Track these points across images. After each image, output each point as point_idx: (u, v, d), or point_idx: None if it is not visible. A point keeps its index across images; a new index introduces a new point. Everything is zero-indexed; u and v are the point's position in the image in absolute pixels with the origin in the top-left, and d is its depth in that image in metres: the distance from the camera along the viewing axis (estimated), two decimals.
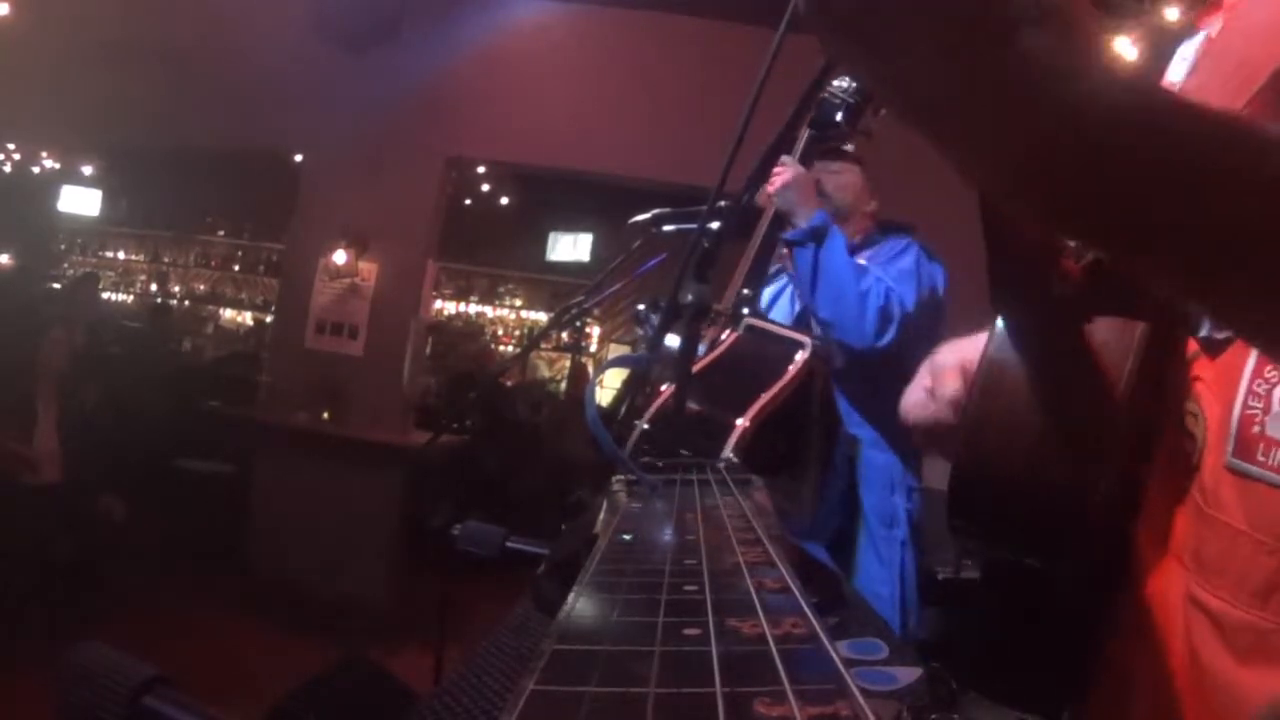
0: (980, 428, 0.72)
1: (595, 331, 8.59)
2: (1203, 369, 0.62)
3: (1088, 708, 0.68)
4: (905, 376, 1.68)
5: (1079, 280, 0.64)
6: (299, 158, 4.72)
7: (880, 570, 1.63)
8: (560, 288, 8.22)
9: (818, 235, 1.64)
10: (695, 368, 1.31)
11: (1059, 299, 0.65)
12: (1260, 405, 0.56)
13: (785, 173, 1.64)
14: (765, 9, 0.90)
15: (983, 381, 0.71)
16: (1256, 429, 0.56)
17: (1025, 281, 0.67)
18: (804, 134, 1.61)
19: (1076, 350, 0.65)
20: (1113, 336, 0.65)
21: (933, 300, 1.76)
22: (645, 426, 0.94)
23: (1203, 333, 0.62)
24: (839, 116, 1.52)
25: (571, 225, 8.02)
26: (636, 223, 1.80)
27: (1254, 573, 0.55)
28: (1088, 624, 0.69)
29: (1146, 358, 0.64)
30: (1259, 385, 0.57)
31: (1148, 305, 0.64)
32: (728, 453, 0.84)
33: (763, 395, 1.11)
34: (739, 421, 0.95)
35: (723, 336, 1.51)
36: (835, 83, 1.53)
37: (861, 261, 1.83)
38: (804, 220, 1.64)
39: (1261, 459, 0.55)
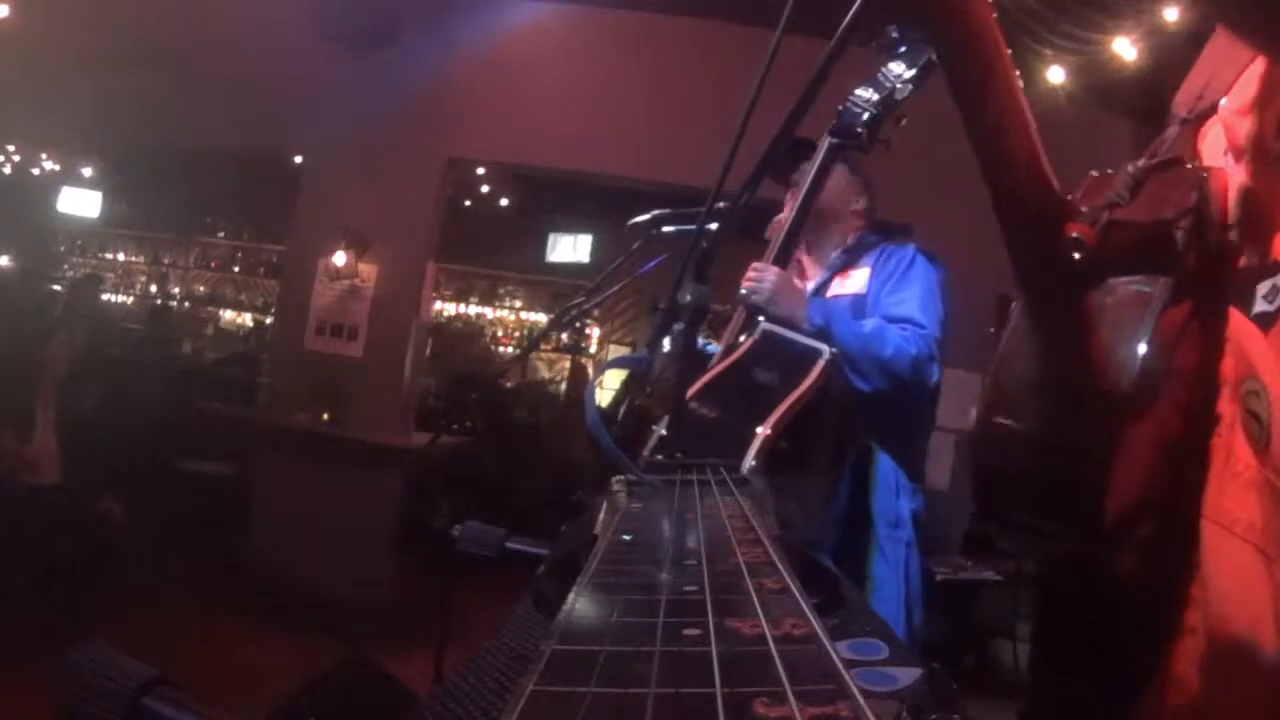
0: (1001, 386, 0.77)
1: (595, 333, 8.59)
2: (1256, 344, 0.61)
3: (1163, 707, 0.66)
4: (901, 383, 1.69)
5: (1093, 243, 0.68)
6: (299, 158, 4.72)
7: (886, 570, 1.62)
8: (560, 289, 8.22)
9: (824, 335, 1.57)
10: (712, 372, 1.31)
11: (1073, 266, 0.68)
12: None
13: (764, 280, 1.59)
14: (765, 9, 0.90)
15: (1002, 354, 0.76)
16: None
17: (1040, 251, 0.70)
18: (824, 142, 1.59)
19: (1082, 318, 0.68)
20: (1126, 315, 0.67)
21: (947, 313, 1.74)
22: (663, 432, 0.94)
23: (1256, 309, 0.61)
24: (860, 126, 1.52)
25: (571, 226, 8.02)
26: (636, 224, 1.80)
27: None
28: (1151, 623, 0.67)
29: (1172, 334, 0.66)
30: None
31: (1153, 262, 0.67)
32: (750, 461, 0.84)
33: (783, 403, 1.11)
34: (760, 430, 0.95)
35: (740, 340, 1.51)
36: (857, 92, 1.53)
37: (864, 270, 1.79)
38: (804, 321, 1.59)
39: None
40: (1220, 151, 0.73)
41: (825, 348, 1.36)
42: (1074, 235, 0.69)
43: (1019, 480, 0.74)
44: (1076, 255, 0.68)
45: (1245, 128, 0.68)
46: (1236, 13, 0.55)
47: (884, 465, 1.64)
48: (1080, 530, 0.67)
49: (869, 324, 1.66)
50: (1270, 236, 0.64)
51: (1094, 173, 0.78)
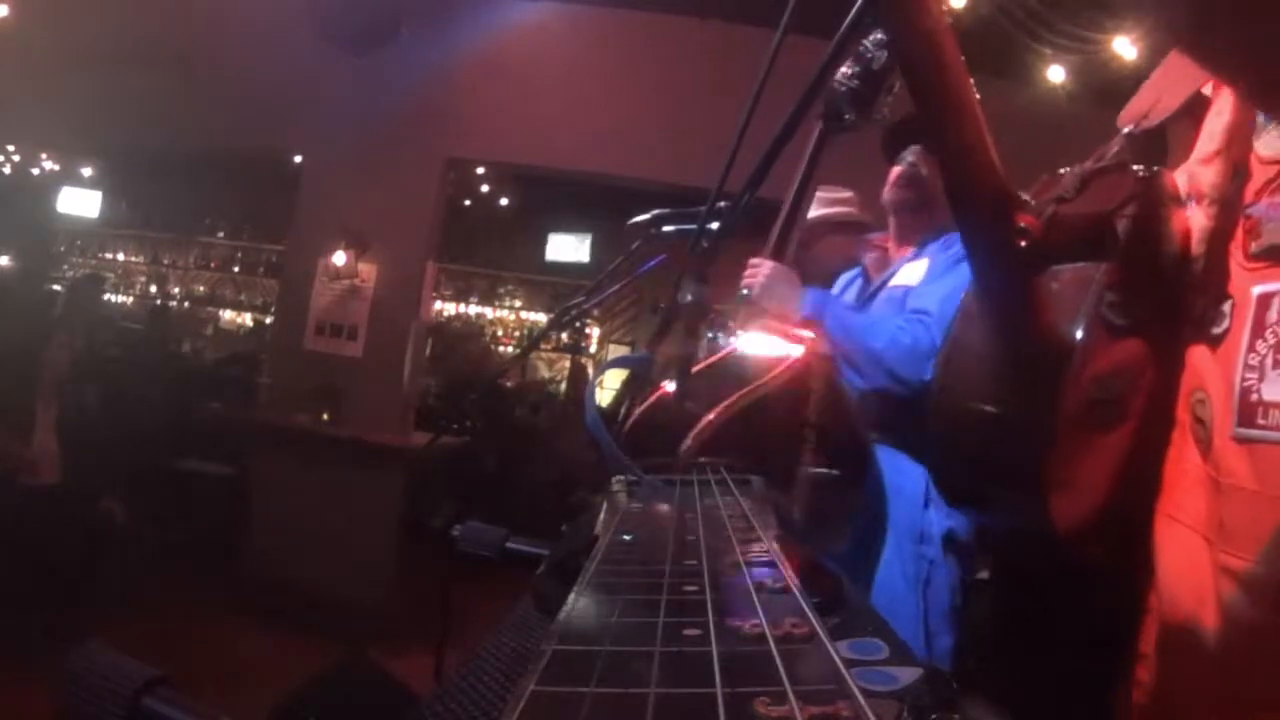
0: (951, 366, 0.87)
1: (595, 332, 8.59)
2: (1204, 361, 0.71)
3: (1127, 691, 0.74)
4: (896, 378, 1.65)
5: (1038, 233, 0.78)
6: (299, 158, 4.72)
7: (905, 588, 1.50)
8: (560, 288, 8.22)
9: (815, 321, 1.53)
10: (702, 366, 1.31)
11: (1019, 251, 0.78)
12: (1255, 376, 0.65)
13: (758, 273, 1.53)
14: (765, 9, 0.90)
15: (955, 329, 0.88)
16: (1255, 397, 0.64)
17: (989, 236, 0.80)
18: (815, 129, 1.56)
19: (1029, 297, 0.78)
20: (1064, 304, 0.77)
21: None
22: (636, 415, 0.95)
23: (1213, 330, 0.71)
24: (845, 104, 1.49)
25: (571, 226, 8.02)
26: (636, 223, 1.79)
27: (1270, 527, 0.61)
28: (1117, 617, 0.76)
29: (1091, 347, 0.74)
30: (1253, 359, 0.65)
31: (1092, 250, 0.77)
32: (687, 442, 0.86)
33: (738, 392, 1.13)
34: (708, 416, 0.96)
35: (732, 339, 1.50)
36: (841, 70, 1.49)
37: (924, 261, 1.70)
38: (795, 312, 1.53)
39: (1263, 422, 0.63)
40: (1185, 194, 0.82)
41: (805, 340, 1.36)
42: (1022, 225, 0.78)
43: (976, 461, 0.81)
44: (1023, 243, 0.77)
45: (1208, 176, 0.77)
46: (1205, 49, 0.61)
47: (911, 474, 1.53)
48: (1038, 499, 0.74)
49: (865, 317, 1.59)
50: (1226, 270, 0.73)
51: (1046, 175, 0.87)
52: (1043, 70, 3.39)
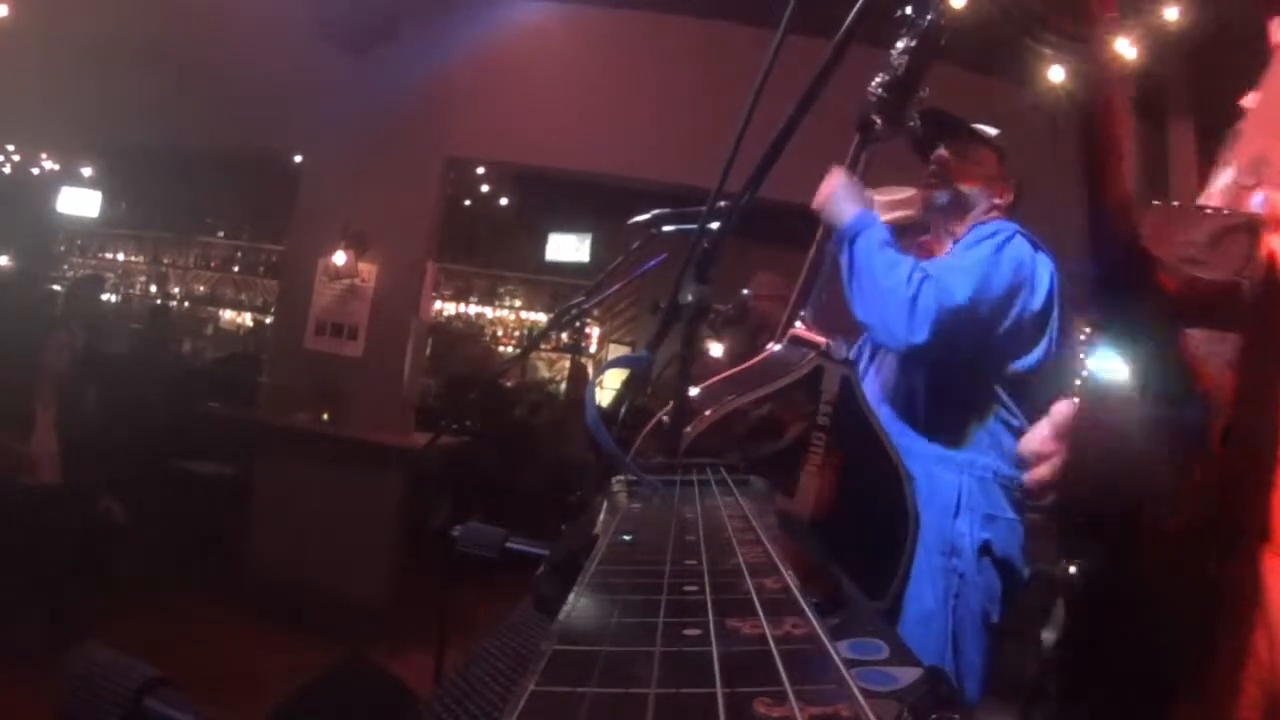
0: (1085, 434, 0.84)
1: (595, 332, 8.58)
2: None
3: (1203, 704, 0.72)
4: (975, 387, 1.63)
5: (1173, 294, 0.78)
6: (299, 158, 4.72)
7: (933, 603, 1.46)
8: (560, 288, 8.22)
9: (850, 235, 1.51)
10: (735, 370, 1.32)
11: (1157, 306, 0.78)
12: None
13: (827, 181, 1.55)
14: (765, 9, 0.90)
15: (1090, 388, 0.85)
16: None
17: (1128, 294, 0.81)
18: (855, 138, 1.56)
19: (1174, 352, 0.77)
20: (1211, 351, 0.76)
21: (1010, 295, 1.52)
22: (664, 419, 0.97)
23: None
24: (873, 113, 1.48)
25: (571, 226, 8.02)
26: (636, 223, 1.79)
27: None
28: (1201, 639, 0.74)
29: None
30: None
31: (1224, 318, 0.76)
32: (685, 430, 0.88)
33: (743, 393, 1.14)
34: (706, 412, 0.98)
35: (770, 345, 1.51)
36: (874, 80, 1.48)
37: (961, 238, 1.68)
38: (843, 220, 1.52)
39: None
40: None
41: (820, 345, 1.37)
42: (1160, 286, 0.78)
43: (1106, 498, 0.81)
44: (1161, 303, 0.78)
45: None
46: None
47: (943, 482, 1.49)
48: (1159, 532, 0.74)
49: (888, 256, 1.50)
50: None
51: (1159, 205, 0.85)
52: (1043, 70, 3.39)
